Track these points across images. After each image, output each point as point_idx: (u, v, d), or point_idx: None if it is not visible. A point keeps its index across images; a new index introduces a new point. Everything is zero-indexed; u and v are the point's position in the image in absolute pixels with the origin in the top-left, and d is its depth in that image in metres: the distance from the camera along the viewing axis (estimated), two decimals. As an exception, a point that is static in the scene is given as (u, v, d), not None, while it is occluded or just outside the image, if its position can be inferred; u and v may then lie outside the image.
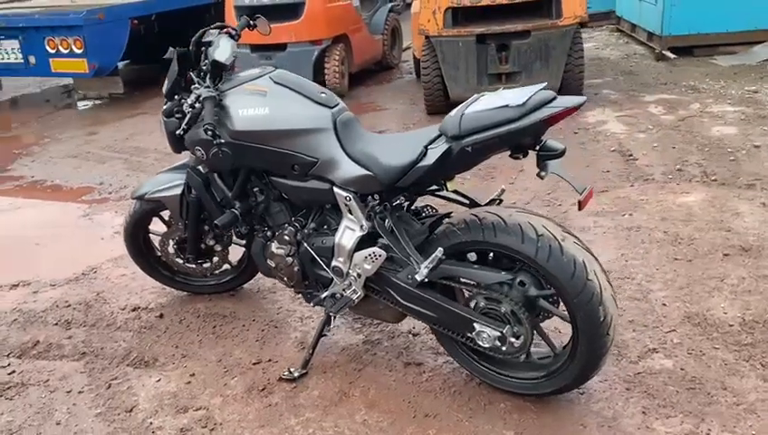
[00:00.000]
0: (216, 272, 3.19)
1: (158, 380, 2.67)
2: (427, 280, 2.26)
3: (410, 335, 2.83)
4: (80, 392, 2.64)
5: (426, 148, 2.14)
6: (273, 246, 2.61)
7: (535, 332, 2.31)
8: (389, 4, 8.58)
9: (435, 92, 6.13)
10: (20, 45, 7.47)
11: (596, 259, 2.14)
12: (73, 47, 7.23)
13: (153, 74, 9.58)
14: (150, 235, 3.18)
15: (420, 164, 2.13)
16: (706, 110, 5.66)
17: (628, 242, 3.47)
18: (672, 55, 7.58)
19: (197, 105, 2.42)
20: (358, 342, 2.82)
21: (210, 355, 2.80)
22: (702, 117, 5.50)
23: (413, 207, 2.56)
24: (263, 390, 2.55)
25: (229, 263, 3.17)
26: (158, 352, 2.87)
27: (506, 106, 1.99)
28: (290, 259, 2.58)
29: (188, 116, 2.41)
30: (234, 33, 2.71)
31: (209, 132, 2.29)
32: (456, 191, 2.45)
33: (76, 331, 3.09)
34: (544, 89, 2.05)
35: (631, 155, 4.79)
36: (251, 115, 2.41)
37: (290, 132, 2.37)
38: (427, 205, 2.60)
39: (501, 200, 2.46)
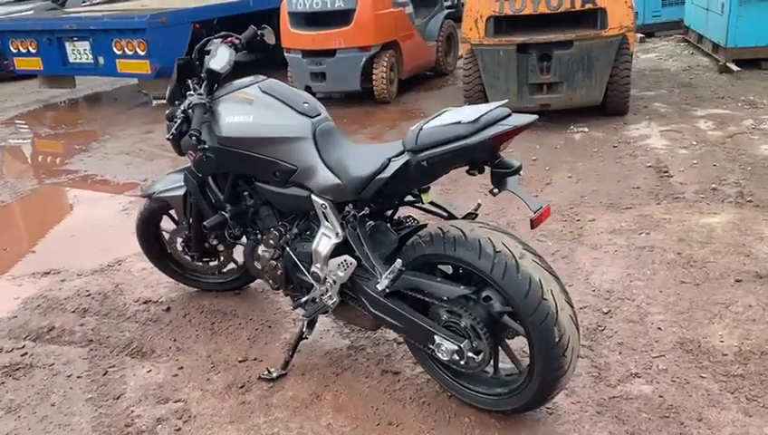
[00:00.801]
0: (224, 270, 3.32)
1: (149, 370, 2.81)
2: (393, 290, 2.29)
3: (395, 344, 2.85)
4: (78, 377, 2.81)
5: (389, 160, 2.18)
6: (260, 249, 2.71)
7: (501, 348, 2.30)
8: (446, 11, 8.59)
9: (475, 102, 6.10)
10: (91, 47, 7.94)
11: (556, 279, 2.12)
12: (137, 49, 7.62)
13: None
14: (162, 232, 3.33)
15: (380, 176, 2.17)
16: (760, 126, 5.40)
17: (638, 262, 3.38)
18: (736, 68, 7.25)
19: (189, 111, 2.54)
20: (343, 346, 2.87)
21: (202, 350, 2.92)
22: (752, 134, 5.24)
23: (395, 217, 2.60)
24: (241, 387, 2.65)
25: (235, 262, 3.28)
26: (157, 344, 3.01)
27: (458, 123, 2.00)
28: (274, 262, 2.67)
29: (178, 121, 2.54)
30: (238, 42, 2.82)
31: (193, 138, 2.40)
32: (432, 203, 2.48)
33: (89, 319, 3.28)
34: (504, 106, 2.04)
35: (667, 172, 4.63)
36: (236, 122, 2.51)
37: (271, 140, 2.45)
38: (410, 216, 2.63)
39: (476, 214, 2.46)
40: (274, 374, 2.66)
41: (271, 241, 2.65)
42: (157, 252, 3.36)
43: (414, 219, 2.60)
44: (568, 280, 3.25)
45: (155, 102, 8.23)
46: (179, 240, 3.22)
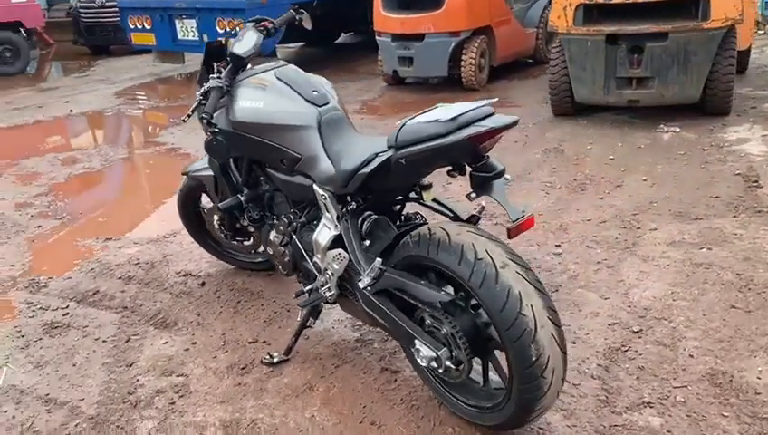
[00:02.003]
0: (258, 250, 3.38)
1: (166, 342, 2.92)
2: (380, 288, 2.23)
3: (403, 341, 2.78)
4: (103, 341, 2.97)
5: (376, 154, 2.10)
6: (272, 234, 2.72)
7: (489, 360, 2.19)
8: (549, -2, 8.23)
9: (560, 93, 5.83)
10: (197, 24, 8.32)
11: (541, 294, 1.96)
12: (237, 28, 7.86)
13: (321, 57, 10.18)
14: (201, 209, 3.44)
15: (362, 170, 2.11)
16: None
17: (688, 280, 3.09)
18: None
19: (207, 94, 2.58)
20: (351, 339, 2.84)
21: (219, 328, 3.00)
22: None
23: (404, 213, 2.53)
24: (243, 368, 2.69)
25: (266, 244, 3.32)
26: (181, 317, 3.12)
27: (436, 121, 1.89)
28: (282, 249, 2.67)
29: (195, 103, 2.59)
30: (271, 27, 2.83)
31: (204, 121, 2.44)
32: (436, 201, 2.39)
33: (131, 286, 3.46)
34: (489, 105, 1.91)
35: (756, 182, 4.19)
36: (248, 107, 2.52)
37: (278, 127, 2.44)
38: (418, 213, 2.55)
39: (479, 217, 2.34)
40: (275, 359, 2.68)
41: (281, 227, 2.66)
42: (196, 228, 3.47)
43: (422, 217, 2.51)
44: (605, 292, 3.04)
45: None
46: (216, 218, 3.29)
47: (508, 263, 1.96)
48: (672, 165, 4.60)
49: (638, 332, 2.75)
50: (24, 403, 2.58)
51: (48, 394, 2.62)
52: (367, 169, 2.09)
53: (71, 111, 7.72)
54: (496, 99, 2.06)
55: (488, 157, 2.00)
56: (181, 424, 2.39)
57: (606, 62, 5.38)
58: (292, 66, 2.66)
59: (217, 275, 3.51)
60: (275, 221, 2.72)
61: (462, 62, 7.11)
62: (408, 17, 7.06)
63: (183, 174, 3.31)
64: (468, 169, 2.03)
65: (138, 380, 2.67)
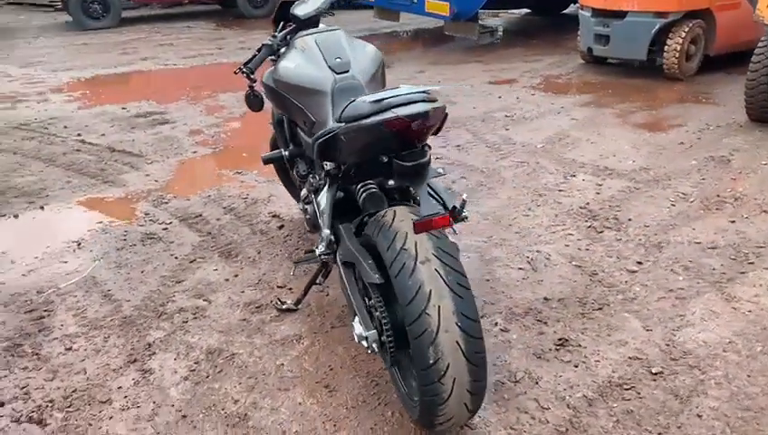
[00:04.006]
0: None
1: (215, 269, 3.26)
2: (344, 260, 2.27)
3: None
4: (175, 258, 3.40)
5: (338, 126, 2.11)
6: (303, 191, 2.87)
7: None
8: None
9: (758, 94, 5.03)
10: (409, -15, 8.54)
11: (458, 298, 1.84)
12: (442, -9, 7.96)
13: (538, 26, 9.83)
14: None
15: (319, 140, 2.13)
16: None
17: (759, 334, 2.61)
18: None
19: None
20: (363, 305, 2.90)
21: (264, 267, 3.25)
22: None
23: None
24: (257, 308, 2.91)
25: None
26: (244, 251, 3.44)
27: (367, 101, 1.85)
28: (306, 207, 2.81)
29: (250, 57, 2.78)
30: None
31: (243, 73, 2.64)
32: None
33: (227, 217, 3.87)
34: (422, 91, 1.82)
35: None
36: (284, 66, 2.65)
37: (300, 88, 2.54)
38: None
39: (460, 210, 2.23)
40: (284, 306, 2.85)
41: (307, 186, 2.79)
42: (285, 173, 3.72)
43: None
44: (653, 324, 2.71)
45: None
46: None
47: (430, 259, 1.88)
48: None
49: (656, 374, 2.42)
50: (90, 293, 3.09)
51: (110, 290, 3.11)
52: (320, 140, 2.12)
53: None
54: (438, 86, 1.93)
55: (423, 146, 1.91)
56: (179, 341, 2.70)
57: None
58: (338, 33, 2.71)
59: (298, 221, 3.75)
60: (309, 179, 2.85)
61: (666, 47, 6.41)
62: (614, -9, 6.52)
63: (270, 123, 3.56)
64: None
65: (174, 296, 3.03)
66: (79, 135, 5.37)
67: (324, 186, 2.41)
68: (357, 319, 2.16)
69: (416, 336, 1.84)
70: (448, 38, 8.83)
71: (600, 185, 4.12)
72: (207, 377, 2.49)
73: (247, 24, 11.04)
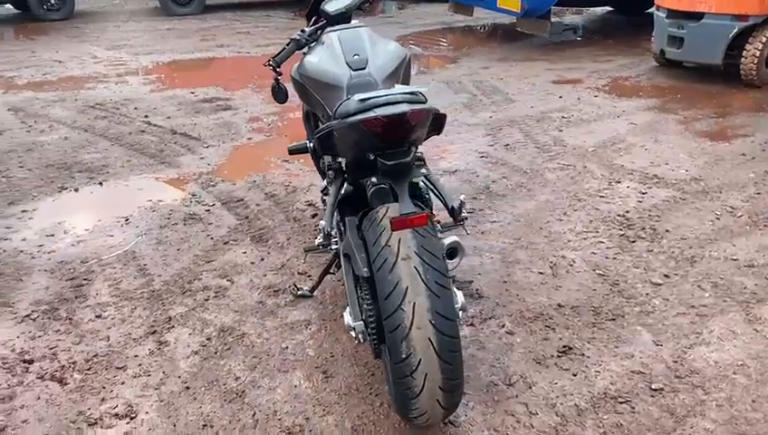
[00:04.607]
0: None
1: (245, 252, 3.41)
2: (343, 252, 2.34)
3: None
4: (210, 239, 3.57)
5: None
6: (326, 181, 2.95)
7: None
8: None
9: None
10: (483, -19, 8.48)
11: (435, 297, 1.88)
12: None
13: (617, 25, 9.54)
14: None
15: (318, 135, 2.20)
16: None
17: (775, 357, 2.50)
18: None
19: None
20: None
21: (290, 253, 3.37)
22: None
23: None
24: (275, 291, 3.04)
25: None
26: (275, 236, 3.57)
27: (351, 99, 1.91)
28: (325, 197, 2.90)
29: (278, 51, 2.89)
30: None
31: (270, 66, 2.75)
32: (426, 181, 2.37)
33: (267, 202, 4.02)
34: (408, 93, 1.86)
35: None
36: (308, 60, 2.74)
37: (319, 83, 2.62)
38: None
39: (459, 211, 2.26)
40: (299, 292, 2.96)
41: (326, 177, 2.87)
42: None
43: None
44: (665, 339, 2.66)
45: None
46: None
47: (411, 256, 1.92)
48: None
49: (656, 390, 2.37)
50: (127, 266, 3.30)
51: (146, 265, 3.31)
52: (317, 135, 2.19)
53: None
54: (430, 85, 1.96)
55: (410, 146, 1.94)
56: (196, 318, 2.85)
57: None
58: (362, 30, 2.76)
59: (333, 211, 3.84)
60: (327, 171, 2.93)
61: (744, 52, 6.09)
62: (690, -8, 6.25)
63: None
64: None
65: (202, 274, 3.20)
66: (146, 117, 5.68)
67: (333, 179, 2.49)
68: (348, 309, 2.23)
69: (390, 330, 1.89)
70: (524, 35, 8.70)
71: (644, 193, 4.00)
72: (216, 353, 2.63)
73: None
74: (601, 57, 7.62)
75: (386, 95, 1.91)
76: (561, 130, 5.17)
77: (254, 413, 2.32)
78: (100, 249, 3.48)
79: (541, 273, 3.15)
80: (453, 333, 1.90)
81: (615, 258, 3.26)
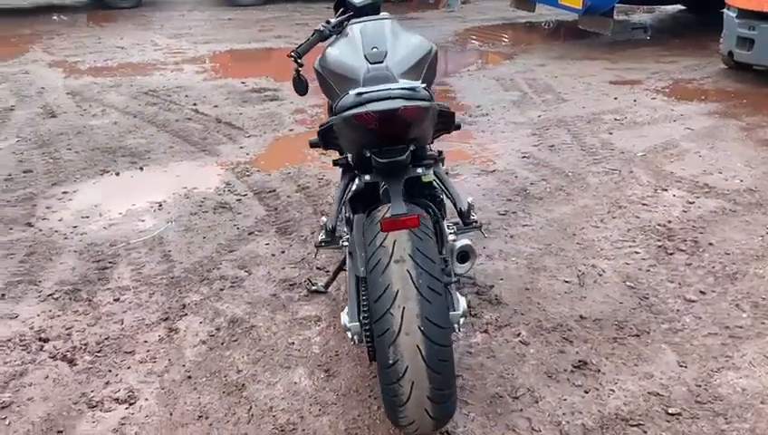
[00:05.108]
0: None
1: (267, 244, 3.39)
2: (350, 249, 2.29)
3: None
4: (237, 229, 3.58)
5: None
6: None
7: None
8: None
9: None
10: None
11: (424, 302, 1.80)
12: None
13: (689, 23, 9.12)
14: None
15: (320, 129, 2.14)
16: None
17: (810, 388, 2.30)
18: None
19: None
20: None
21: (311, 248, 3.34)
22: None
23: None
24: (291, 285, 3.01)
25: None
26: (299, 230, 3.54)
27: (352, 94, 1.84)
28: (336, 193, 2.84)
29: (302, 42, 2.84)
30: None
31: (292, 57, 2.71)
32: (437, 181, 2.29)
33: (297, 195, 4.00)
34: (402, 88, 1.78)
35: None
36: (329, 52, 2.68)
37: (336, 75, 2.55)
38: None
39: (468, 213, 2.17)
40: (313, 288, 2.92)
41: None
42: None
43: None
44: (691, 361, 2.49)
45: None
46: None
47: (405, 259, 1.85)
48: None
49: (672, 414, 2.21)
50: (152, 251, 3.35)
51: (170, 251, 3.35)
52: (321, 128, 2.13)
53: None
54: (418, 83, 1.86)
55: (409, 144, 1.86)
56: (209, 308, 2.86)
57: None
58: (385, 22, 2.68)
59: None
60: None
61: (820, 57, 5.70)
62: (764, -10, 5.88)
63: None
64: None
65: (222, 263, 3.20)
66: (195, 105, 5.77)
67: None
68: (346, 309, 2.17)
69: (379, 334, 1.83)
70: (588, 33, 8.41)
71: (692, 203, 3.78)
72: (222, 344, 2.62)
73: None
74: (665, 57, 7.28)
75: (382, 90, 1.83)
76: (611, 133, 4.96)
77: (251, 408, 2.29)
78: (130, 233, 3.53)
79: (567, 281, 3.01)
80: (443, 342, 1.82)
81: (649, 270, 3.08)
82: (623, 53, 7.62)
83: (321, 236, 2.28)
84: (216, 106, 5.75)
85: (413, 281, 1.82)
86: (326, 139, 2.15)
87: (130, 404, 2.32)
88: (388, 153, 1.90)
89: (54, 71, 7.06)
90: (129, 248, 3.38)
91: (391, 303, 1.80)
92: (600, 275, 3.05)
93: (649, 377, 2.40)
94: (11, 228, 3.60)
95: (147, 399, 2.35)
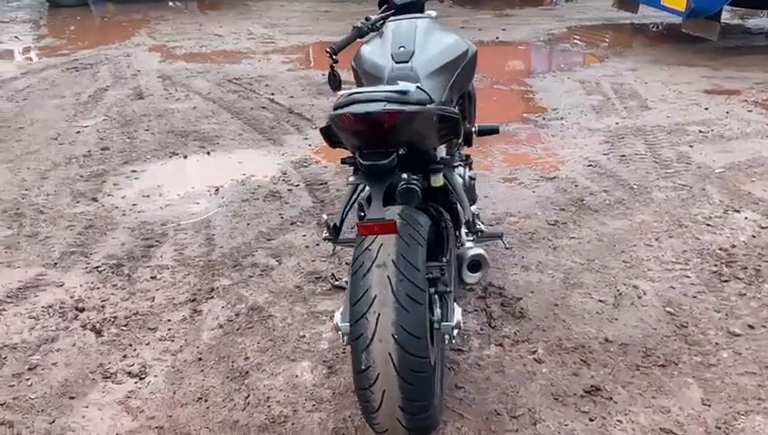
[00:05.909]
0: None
1: (304, 235, 3.44)
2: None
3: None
4: (281, 218, 3.65)
5: None
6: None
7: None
8: None
9: None
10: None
11: (401, 310, 1.76)
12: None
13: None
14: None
15: (322, 127, 2.13)
16: None
17: None
18: None
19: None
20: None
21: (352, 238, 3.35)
22: None
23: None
24: (316, 278, 3.04)
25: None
26: (340, 224, 3.57)
27: (344, 94, 1.81)
28: (347, 190, 2.84)
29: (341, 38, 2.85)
30: None
31: (327, 53, 2.73)
32: (446, 184, 2.25)
33: (346, 190, 4.01)
34: (391, 91, 1.74)
35: None
36: (363, 49, 2.68)
37: (366, 73, 2.56)
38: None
39: (473, 223, 2.11)
40: (336, 282, 2.94)
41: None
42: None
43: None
44: (718, 399, 2.31)
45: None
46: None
47: (387, 264, 1.82)
48: None
49: (678, 453, 2.05)
50: (198, 234, 3.48)
51: (214, 235, 3.47)
52: (323, 126, 2.11)
53: (496, 37, 8.34)
54: (415, 85, 1.80)
55: (400, 147, 1.83)
56: (234, 293, 2.94)
57: None
58: (418, 21, 2.64)
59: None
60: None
61: None
62: None
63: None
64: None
65: (257, 251, 3.28)
66: (272, 94, 5.93)
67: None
68: (342, 308, 2.16)
69: (353, 338, 1.81)
70: (694, 38, 7.92)
71: (764, 228, 3.47)
72: (237, 330, 2.68)
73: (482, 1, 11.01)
74: (740, 66, 6.73)
75: (371, 92, 1.80)
76: (691, 146, 4.64)
77: (248, 396, 2.34)
78: (183, 215, 3.69)
79: (601, 301, 2.85)
80: (417, 352, 1.77)
81: (695, 297, 2.87)
82: (727, 60, 7.09)
83: (325, 234, 2.28)
84: (291, 96, 5.87)
85: (392, 287, 1.79)
86: (326, 136, 2.15)
87: (141, 379, 2.43)
88: (370, 156, 1.87)
89: (152, 55, 7.46)
90: (177, 229, 3.53)
91: (368, 307, 1.77)
92: (639, 298, 2.87)
93: (666, 412, 2.23)
94: (78, 202, 3.85)
95: (156, 375, 2.44)
